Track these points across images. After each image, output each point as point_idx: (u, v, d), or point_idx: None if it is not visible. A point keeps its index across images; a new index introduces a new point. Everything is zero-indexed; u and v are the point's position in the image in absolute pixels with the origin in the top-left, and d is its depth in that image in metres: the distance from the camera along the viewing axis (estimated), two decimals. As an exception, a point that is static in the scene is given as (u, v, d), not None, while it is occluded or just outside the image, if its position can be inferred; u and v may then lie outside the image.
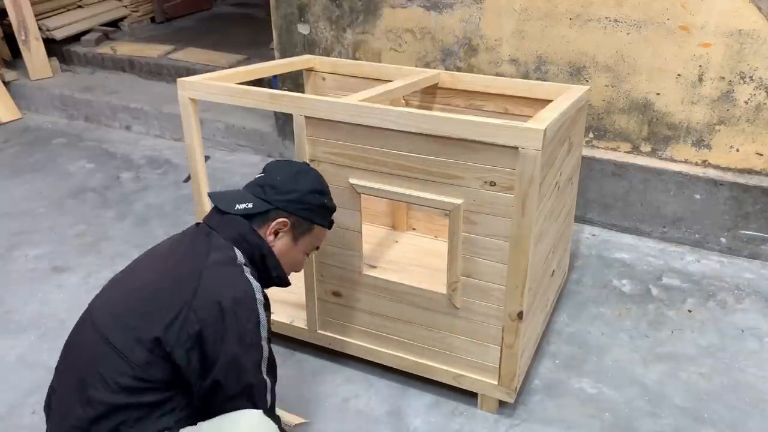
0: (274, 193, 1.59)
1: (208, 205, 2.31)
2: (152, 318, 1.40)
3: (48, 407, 1.52)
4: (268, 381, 1.50)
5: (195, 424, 1.44)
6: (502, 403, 2.07)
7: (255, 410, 1.44)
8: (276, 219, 1.60)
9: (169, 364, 1.40)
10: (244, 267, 1.50)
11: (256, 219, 1.58)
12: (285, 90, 2.39)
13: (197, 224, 1.64)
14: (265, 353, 1.49)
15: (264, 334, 1.48)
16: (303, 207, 1.63)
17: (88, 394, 1.39)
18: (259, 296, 1.48)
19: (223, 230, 1.55)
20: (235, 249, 1.53)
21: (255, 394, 1.46)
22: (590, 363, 2.31)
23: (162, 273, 1.49)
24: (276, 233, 1.61)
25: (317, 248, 1.79)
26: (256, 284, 1.49)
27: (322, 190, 1.69)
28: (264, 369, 1.49)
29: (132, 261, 1.65)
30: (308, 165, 1.75)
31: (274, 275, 1.63)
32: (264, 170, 1.68)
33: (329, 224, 1.74)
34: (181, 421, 1.44)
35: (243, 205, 1.58)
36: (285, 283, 1.69)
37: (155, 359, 1.39)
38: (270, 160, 3.98)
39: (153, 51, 5.15)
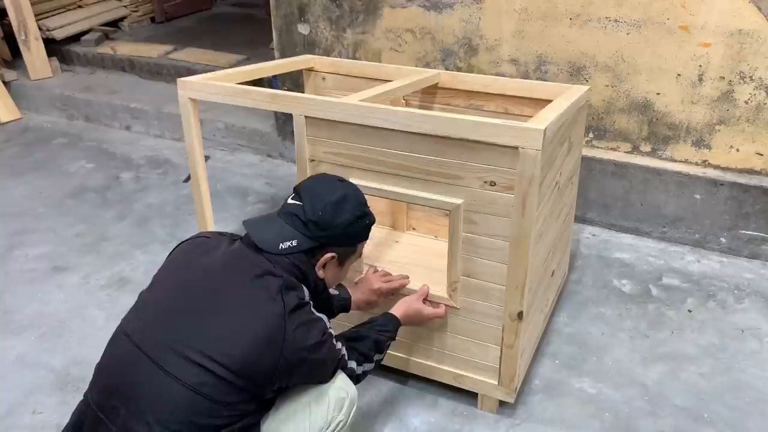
0: (317, 230, 1.54)
1: (208, 205, 2.31)
2: (242, 373, 1.37)
3: None
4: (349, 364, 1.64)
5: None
6: (502, 403, 2.07)
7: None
8: (323, 255, 1.58)
9: (259, 398, 1.45)
10: (310, 303, 1.53)
11: (303, 255, 1.56)
12: (285, 90, 2.39)
13: (240, 239, 1.59)
14: (340, 354, 1.61)
15: (338, 344, 1.60)
16: (349, 237, 1.61)
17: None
18: (328, 325, 1.56)
19: (281, 264, 1.51)
20: (302, 286, 1.53)
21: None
22: (590, 363, 2.31)
23: (232, 312, 1.43)
24: (324, 265, 1.60)
25: (359, 256, 1.80)
26: (324, 317, 1.56)
27: (363, 213, 1.63)
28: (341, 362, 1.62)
29: (166, 277, 1.57)
30: (344, 184, 1.64)
31: (334, 308, 1.77)
32: (299, 196, 1.58)
33: (368, 235, 1.71)
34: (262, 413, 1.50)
35: (288, 244, 1.53)
36: (347, 309, 1.85)
37: (238, 392, 1.39)
38: (270, 161, 3.98)
39: (153, 51, 5.15)
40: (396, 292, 2.00)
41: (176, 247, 1.65)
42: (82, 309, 2.60)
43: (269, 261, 1.50)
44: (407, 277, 2.04)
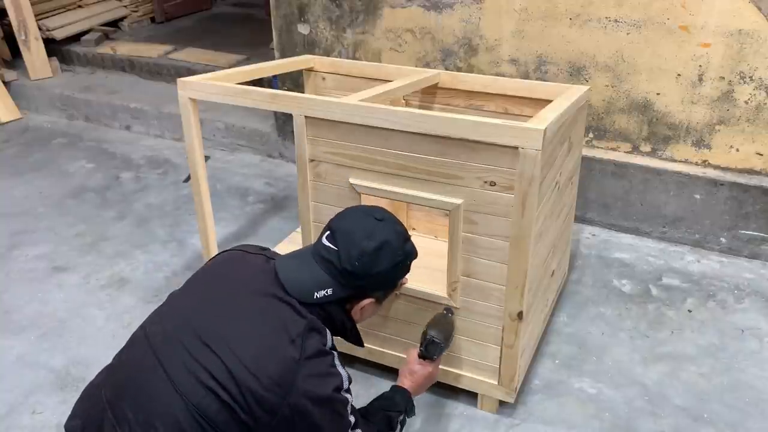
0: (354, 279, 1.46)
1: (207, 205, 2.31)
2: (246, 404, 1.32)
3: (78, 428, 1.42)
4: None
5: None
6: (502, 403, 2.08)
7: None
8: (362, 300, 1.51)
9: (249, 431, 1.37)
10: (333, 354, 1.45)
11: (340, 300, 1.48)
12: (285, 90, 2.39)
13: (270, 265, 1.50)
14: (351, 422, 1.48)
15: (349, 410, 1.47)
16: (389, 282, 1.55)
17: None
18: (346, 385, 1.45)
19: (311, 306, 1.44)
20: (326, 330, 1.45)
21: None
22: (590, 363, 2.31)
23: (249, 344, 1.37)
24: (362, 308, 1.54)
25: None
26: (344, 374, 1.45)
27: (405, 256, 1.53)
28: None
29: (196, 287, 1.52)
30: (383, 224, 1.50)
31: (351, 340, 1.63)
32: (333, 237, 1.48)
33: (410, 269, 1.63)
34: None
35: (323, 293, 1.44)
36: (360, 344, 1.68)
37: (238, 425, 1.34)
38: (270, 161, 3.97)
39: (153, 51, 5.15)
40: None
41: (218, 254, 1.61)
42: (82, 309, 2.60)
43: (299, 302, 1.43)
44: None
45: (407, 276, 1.64)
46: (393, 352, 2.13)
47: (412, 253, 1.58)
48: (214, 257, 1.62)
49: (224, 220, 3.23)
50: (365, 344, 2.14)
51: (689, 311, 2.59)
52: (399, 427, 1.68)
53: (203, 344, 1.36)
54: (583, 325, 2.50)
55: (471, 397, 2.09)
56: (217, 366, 1.33)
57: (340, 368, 1.45)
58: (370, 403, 1.69)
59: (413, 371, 1.77)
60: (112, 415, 1.35)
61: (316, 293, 1.44)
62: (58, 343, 2.40)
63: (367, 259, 1.45)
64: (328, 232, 1.50)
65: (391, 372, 2.18)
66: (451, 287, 1.93)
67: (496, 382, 2.00)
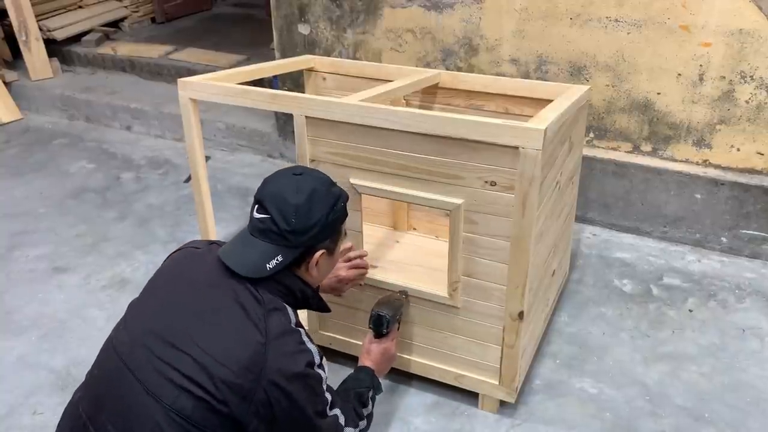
0: (297, 237, 1.46)
1: (208, 205, 2.31)
2: (222, 399, 1.33)
3: None
4: (338, 418, 1.55)
5: None
6: (502, 403, 2.07)
7: None
8: (312, 256, 1.52)
9: (232, 423, 1.37)
10: (300, 331, 1.47)
11: (292, 265, 1.50)
12: (285, 90, 2.39)
13: (216, 255, 1.50)
14: (328, 400, 1.51)
15: (325, 388, 1.50)
16: (331, 228, 1.55)
17: None
18: (318, 360, 1.48)
19: (265, 286, 1.46)
20: (284, 304, 1.47)
21: None
22: (591, 363, 2.30)
23: (215, 336, 1.38)
24: (316, 264, 1.55)
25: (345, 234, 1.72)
26: (315, 349, 1.48)
27: (336, 199, 1.54)
28: (330, 414, 1.52)
29: (154, 291, 1.53)
30: (303, 177, 1.53)
31: (314, 307, 1.65)
32: (261, 205, 1.49)
33: (347, 212, 1.64)
34: None
35: (274, 262, 1.45)
36: (325, 311, 1.72)
37: (218, 417, 1.35)
38: (270, 161, 3.97)
39: (153, 51, 5.15)
40: (360, 282, 2.02)
41: (168, 256, 1.62)
42: (82, 309, 2.60)
43: (253, 284, 1.44)
44: (367, 266, 2.01)
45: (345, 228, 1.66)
46: (394, 352, 2.13)
47: (342, 194, 1.58)
48: (165, 260, 1.62)
49: (225, 220, 3.23)
50: (360, 343, 2.16)
51: (690, 311, 2.59)
52: (371, 403, 1.73)
53: (169, 345, 1.37)
54: (583, 325, 2.50)
55: (472, 397, 2.09)
56: (186, 363, 1.34)
57: (309, 344, 1.47)
58: (339, 386, 1.73)
59: (369, 350, 1.84)
60: (94, 429, 1.37)
61: (267, 265, 1.44)
62: (59, 344, 2.40)
63: (302, 212, 1.46)
64: (257, 205, 1.50)
65: (392, 372, 2.18)
66: (452, 287, 1.93)
67: (497, 382, 2.00)
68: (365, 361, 1.82)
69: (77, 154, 4.14)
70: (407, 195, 1.88)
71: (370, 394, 1.73)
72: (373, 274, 2.09)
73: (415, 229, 2.70)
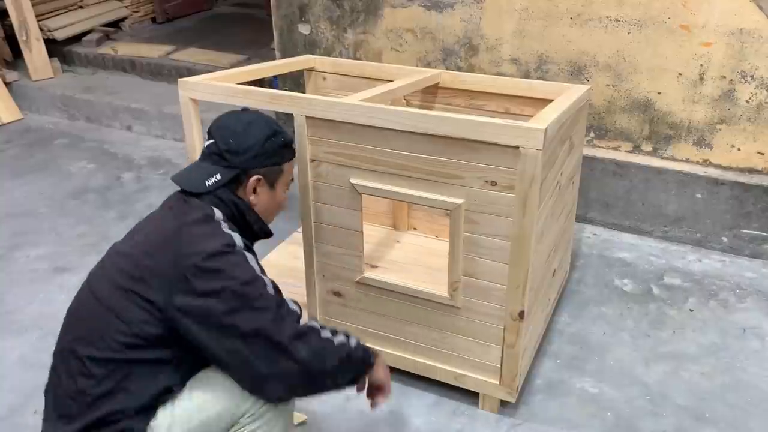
0: (234, 157, 1.58)
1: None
2: (143, 279, 1.41)
3: (48, 388, 1.50)
4: (281, 309, 1.42)
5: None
6: (503, 403, 2.07)
7: None
8: (249, 179, 1.60)
9: (164, 323, 1.39)
10: (221, 222, 1.51)
11: (230, 186, 1.59)
12: (286, 90, 2.39)
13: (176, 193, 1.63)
14: (267, 281, 1.45)
15: (256, 267, 1.45)
16: (267, 157, 1.62)
17: (88, 353, 1.40)
18: (239, 243, 1.47)
19: (201, 196, 1.57)
20: (213, 208, 1.54)
21: (270, 330, 1.37)
22: (592, 362, 2.30)
23: (147, 235, 1.52)
24: (254, 190, 1.62)
25: (292, 180, 1.75)
26: (235, 235, 1.48)
27: (276, 131, 1.64)
28: (273, 301, 1.42)
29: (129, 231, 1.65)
30: (249, 113, 1.67)
31: (256, 228, 1.64)
32: (210, 135, 1.63)
33: (293, 155, 1.72)
34: (185, 375, 1.46)
35: (212, 180, 1.57)
36: (267, 233, 1.69)
37: (151, 318, 1.39)
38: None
39: (154, 51, 5.15)
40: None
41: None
42: (83, 309, 2.60)
43: (200, 202, 1.54)
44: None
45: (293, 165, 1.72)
46: (393, 352, 2.13)
47: (283, 132, 1.67)
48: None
49: (225, 220, 3.23)
50: (368, 345, 2.16)
51: (691, 311, 2.59)
52: (347, 339, 1.52)
53: (120, 259, 1.49)
54: (584, 325, 2.50)
55: (473, 396, 2.09)
56: (126, 263, 1.45)
57: (229, 231, 1.48)
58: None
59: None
60: (63, 355, 1.46)
61: (206, 181, 1.56)
62: (60, 344, 2.40)
63: (239, 136, 1.59)
64: (208, 137, 1.64)
65: (393, 372, 2.17)
66: (453, 287, 1.93)
67: (498, 382, 2.00)
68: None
69: (78, 154, 4.14)
70: (407, 195, 1.88)
71: (353, 341, 1.52)
72: (373, 274, 2.09)
73: (415, 228, 2.71)
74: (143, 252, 1.45)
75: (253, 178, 1.60)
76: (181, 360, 1.44)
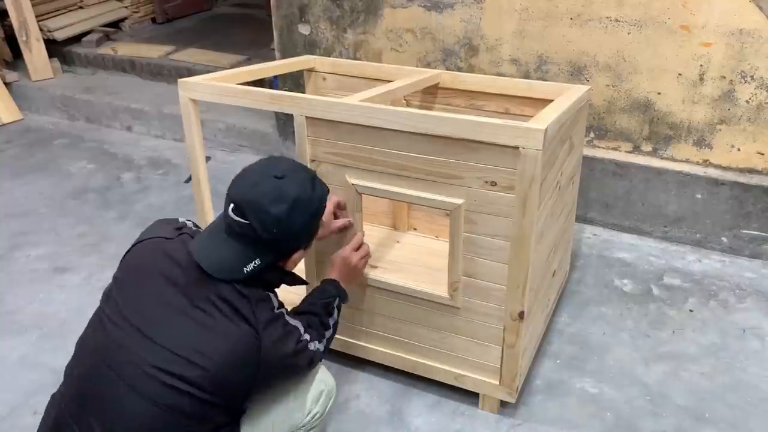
0: (277, 244, 1.45)
1: (208, 206, 2.31)
2: (214, 393, 1.36)
3: None
4: (308, 344, 1.60)
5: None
6: (503, 403, 2.07)
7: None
8: (290, 257, 1.53)
9: (226, 407, 1.44)
10: (284, 314, 1.52)
11: (270, 263, 1.49)
12: (286, 90, 2.39)
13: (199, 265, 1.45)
14: (307, 339, 1.59)
15: (310, 347, 1.60)
16: (312, 233, 1.57)
17: None
18: (302, 330, 1.56)
19: (246, 281, 1.45)
20: (270, 295, 1.49)
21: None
22: (591, 363, 2.30)
23: (202, 332, 1.38)
24: (293, 261, 1.56)
25: None
26: (298, 325, 1.56)
27: (319, 203, 1.52)
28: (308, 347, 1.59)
29: (131, 286, 1.48)
30: (285, 181, 1.44)
31: (291, 285, 1.69)
32: (239, 208, 1.41)
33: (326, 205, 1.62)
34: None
35: (251, 266, 1.43)
36: (304, 283, 1.75)
37: (212, 408, 1.39)
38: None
39: (154, 51, 5.15)
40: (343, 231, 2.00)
41: (135, 245, 1.57)
42: (83, 309, 2.59)
43: (255, 292, 1.45)
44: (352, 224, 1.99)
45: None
46: (394, 352, 2.13)
47: (323, 195, 1.55)
48: (131, 248, 1.57)
49: (225, 220, 3.23)
50: (366, 344, 2.16)
51: (690, 311, 2.59)
52: (336, 311, 1.79)
53: (155, 344, 1.36)
54: (584, 325, 2.50)
55: (472, 397, 2.09)
56: (176, 363, 1.34)
57: (292, 321, 1.53)
58: (306, 298, 1.80)
59: (332, 261, 1.92)
60: (78, 428, 1.37)
61: (245, 268, 1.42)
62: (60, 344, 2.40)
63: (284, 223, 1.41)
64: (232, 205, 1.43)
65: (393, 372, 2.18)
66: (452, 287, 1.93)
67: (498, 382, 2.00)
68: (330, 274, 1.88)
69: (78, 154, 4.14)
70: (407, 195, 1.88)
71: (336, 303, 1.79)
72: (373, 274, 2.09)
73: (415, 229, 2.71)
74: (206, 361, 1.34)
75: (298, 254, 1.53)
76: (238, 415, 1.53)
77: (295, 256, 1.55)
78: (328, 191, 1.60)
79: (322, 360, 1.68)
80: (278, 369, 1.49)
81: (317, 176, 1.58)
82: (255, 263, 1.43)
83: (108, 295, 1.51)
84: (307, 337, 1.58)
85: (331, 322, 1.76)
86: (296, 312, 1.71)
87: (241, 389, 1.42)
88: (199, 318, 1.38)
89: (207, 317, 1.38)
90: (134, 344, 1.37)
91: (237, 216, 1.41)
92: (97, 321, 1.48)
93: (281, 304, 1.54)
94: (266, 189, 1.42)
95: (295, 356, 1.52)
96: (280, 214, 1.40)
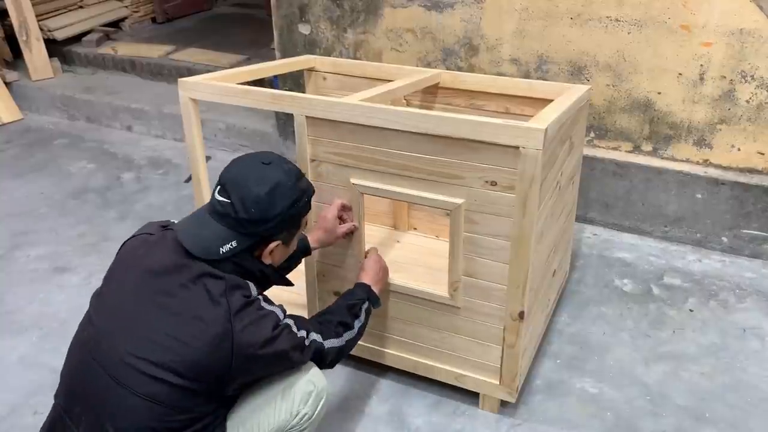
0: (253, 227, 1.47)
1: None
2: (190, 377, 1.37)
3: None
4: (315, 340, 1.62)
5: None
6: (503, 403, 2.07)
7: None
8: (267, 245, 1.53)
9: (209, 396, 1.44)
10: (260, 300, 1.49)
11: (245, 251, 1.50)
12: (286, 90, 2.39)
13: (172, 235, 1.50)
14: (303, 336, 1.57)
15: (296, 329, 1.55)
16: (291, 224, 1.56)
17: (114, 426, 1.37)
18: (281, 317, 1.52)
19: (223, 264, 1.47)
20: (246, 281, 1.49)
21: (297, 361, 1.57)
22: (591, 363, 2.30)
23: (177, 319, 1.40)
24: (270, 252, 1.55)
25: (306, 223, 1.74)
26: (275, 309, 1.52)
27: (300, 194, 1.54)
28: (307, 343, 1.59)
29: (115, 283, 1.52)
30: (271, 167, 1.51)
31: (276, 283, 1.68)
32: (224, 188, 1.48)
33: (311, 206, 1.64)
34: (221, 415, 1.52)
35: (227, 247, 1.45)
36: (288, 284, 1.74)
37: (194, 396, 1.40)
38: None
39: (154, 51, 5.15)
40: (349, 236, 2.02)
41: (123, 245, 1.61)
42: (83, 309, 2.56)
43: (212, 263, 1.45)
44: (356, 227, 2.01)
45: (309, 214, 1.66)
46: (394, 352, 2.13)
47: (308, 190, 1.58)
48: (121, 247, 1.61)
49: (225, 220, 3.23)
50: (366, 344, 2.16)
51: (691, 311, 2.59)
52: (364, 314, 1.79)
53: (135, 335, 1.39)
54: (584, 325, 2.50)
55: (472, 396, 2.09)
56: (155, 351, 1.37)
57: (268, 306, 1.50)
58: (334, 302, 1.81)
59: (363, 266, 1.93)
60: (69, 420, 1.42)
61: (221, 248, 1.45)
62: (60, 344, 2.40)
63: (263, 204, 1.45)
64: (219, 187, 1.49)
65: (393, 372, 2.18)
66: (453, 287, 1.93)
67: (498, 382, 2.00)
68: (362, 278, 1.89)
69: (78, 154, 4.14)
70: (408, 195, 1.88)
71: (365, 306, 1.80)
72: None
73: (415, 228, 2.71)
74: (182, 348, 1.36)
75: (273, 244, 1.53)
76: (224, 405, 1.52)
77: (273, 246, 1.53)
78: (314, 191, 1.63)
79: (323, 361, 1.66)
80: (254, 356, 1.42)
81: (305, 175, 1.62)
82: (231, 245, 1.46)
83: (97, 294, 1.55)
84: (289, 322, 1.52)
85: (356, 324, 1.76)
86: (316, 316, 1.75)
87: (218, 374, 1.39)
88: (174, 304, 1.41)
89: (181, 303, 1.41)
90: (115, 336, 1.41)
91: (221, 196, 1.48)
92: (86, 318, 1.53)
93: (260, 293, 1.52)
94: (252, 171, 1.49)
95: (274, 341, 1.45)
96: (261, 193, 1.45)
